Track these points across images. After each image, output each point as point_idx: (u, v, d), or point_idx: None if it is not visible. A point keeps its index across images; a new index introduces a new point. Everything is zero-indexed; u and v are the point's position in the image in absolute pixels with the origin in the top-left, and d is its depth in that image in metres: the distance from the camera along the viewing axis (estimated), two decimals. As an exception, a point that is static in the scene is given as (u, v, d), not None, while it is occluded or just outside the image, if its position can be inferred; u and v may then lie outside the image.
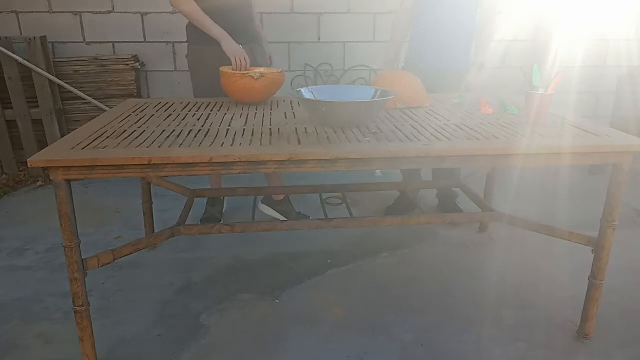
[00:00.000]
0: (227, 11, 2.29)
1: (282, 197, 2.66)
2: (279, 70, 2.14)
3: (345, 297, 2.05)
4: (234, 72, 2.09)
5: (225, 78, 2.08)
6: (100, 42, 3.42)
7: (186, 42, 2.43)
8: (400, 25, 2.55)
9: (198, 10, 2.22)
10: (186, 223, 1.91)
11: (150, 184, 2.34)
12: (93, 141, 1.52)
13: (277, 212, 2.67)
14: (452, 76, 2.39)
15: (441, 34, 2.40)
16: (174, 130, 1.66)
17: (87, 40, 3.41)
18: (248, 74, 2.04)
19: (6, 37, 3.19)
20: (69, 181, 1.42)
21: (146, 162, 1.38)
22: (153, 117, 1.88)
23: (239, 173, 1.49)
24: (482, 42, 2.43)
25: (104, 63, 3.37)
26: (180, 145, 1.49)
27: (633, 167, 1.58)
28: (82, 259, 1.51)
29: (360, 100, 1.77)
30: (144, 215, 2.39)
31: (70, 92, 3.35)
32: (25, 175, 3.38)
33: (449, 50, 2.41)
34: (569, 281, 2.09)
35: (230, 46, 2.23)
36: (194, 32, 2.33)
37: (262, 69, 2.14)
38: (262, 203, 2.71)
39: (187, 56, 2.45)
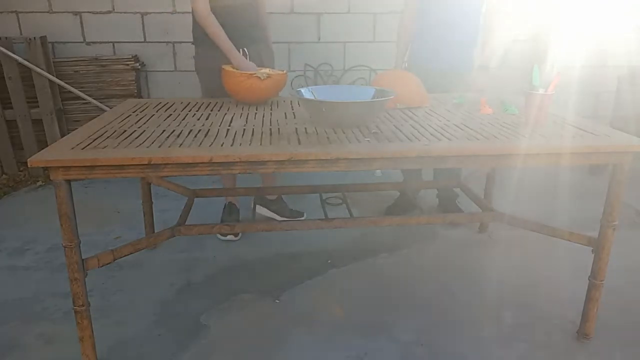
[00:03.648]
0: (232, 13, 2.25)
1: (275, 195, 2.67)
2: (283, 72, 2.14)
3: (345, 297, 2.05)
4: (241, 72, 2.07)
5: (229, 77, 2.06)
6: (100, 42, 3.42)
7: (190, 42, 2.41)
8: (406, 26, 2.55)
9: (216, 24, 2.19)
10: (186, 223, 1.91)
11: (150, 184, 2.34)
12: (93, 141, 1.52)
13: (272, 211, 2.67)
14: (454, 76, 2.39)
15: (443, 34, 2.40)
16: (174, 130, 1.66)
17: (87, 40, 3.41)
18: (254, 74, 2.03)
19: (6, 37, 3.19)
20: (69, 181, 1.42)
21: (146, 162, 1.38)
22: (153, 117, 1.88)
23: (239, 173, 1.49)
24: (486, 42, 2.43)
25: (104, 63, 3.37)
26: (180, 145, 1.49)
27: (633, 167, 1.58)
28: (82, 259, 1.51)
29: (360, 100, 1.77)
30: (144, 215, 2.39)
31: (70, 92, 3.35)
32: (25, 175, 3.38)
33: (451, 50, 2.41)
34: (569, 281, 2.09)
35: (243, 65, 2.18)
36: (201, 34, 2.30)
37: (267, 70, 2.11)
38: (256, 204, 2.71)
39: (194, 57, 2.43)
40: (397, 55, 2.58)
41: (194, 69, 3.16)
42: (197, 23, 2.31)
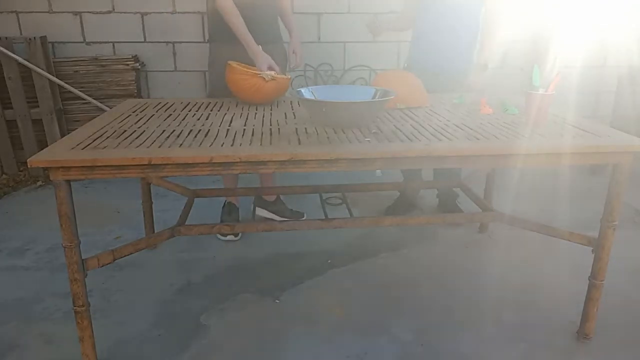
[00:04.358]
0: (250, 9, 2.22)
1: (274, 197, 2.67)
2: (288, 77, 2.13)
3: (345, 297, 2.05)
4: (246, 70, 2.06)
5: (233, 74, 2.04)
6: (100, 42, 3.42)
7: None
8: (407, 16, 2.60)
9: (237, 14, 2.17)
10: (186, 223, 1.91)
11: (150, 184, 2.34)
12: (93, 141, 1.52)
13: (271, 212, 2.67)
14: (454, 76, 2.39)
15: (443, 34, 2.40)
16: (174, 130, 1.66)
17: (87, 40, 3.41)
18: (259, 74, 2.02)
19: (6, 37, 3.19)
20: (68, 181, 1.41)
21: (146, 162, 1.38)
22: (153, 117, 1.88)
23: (239, 173, 1.49)
24: (485, 42, 2.43)
25: (104, 63, 3.37)
26: (180, 145, 1.49)
27: (633, 167, 1.58)
28: (82, 259, 1.51)
29: (360, 100, 1.77)
30: (144, 215, 2.39)
31: (70, 92, 3.35)
32: (25, 175, 3.38)
33: (451, 50, 2.41)
34: (569, 281, 2.09)
35: (259, 56, 2.17)
36: (217, 30, 2.30)
37: (273, 72, 2.09)
38: (254, 205, 2.70)
39: (209, 55, 2.43)
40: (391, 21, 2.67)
41: (194, 69, 3.17)
42: (213, 19, 2.30)
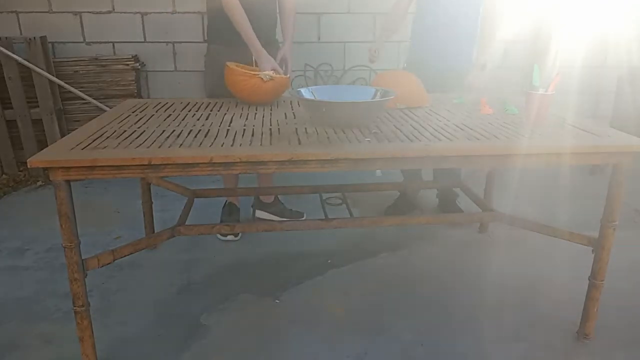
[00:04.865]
0: (252, 11, 2.21)
1: (271, 198, 2.66)
2: (287, 76, 2.13)
3: (345, 297, 2.05)
4: (244, 71, 2.05)
5: (232, 75, 2.05)
6: (100, 42, 3.42)
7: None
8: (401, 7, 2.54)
9: (241, 12, 2.16)
10: (186, 223, 1.91)
11: (150, 184, 2.34)
12: (93, 141, 1.52)
13: (270, 213, 2.67)
14: (454, 76, 2.39)
15: (443, 34, 2.40)
16: (174, 130, 1.66)
17: (87, 40, 3.41)
18: (258, 74, 2.03)
19: (6, 37, 3.19)
20: (68, 181, 1.42)
21: (146, 163, 1.38)
22: (153, 117, 1.88)
23: (239, 173, 1.49)
24: (484, 42, 2.43)
25: (104, 63, 3.37)
26: (180, 145, 1.49)
27: (633, 167, 1.58)
28: (82, 259, 1.51)
29: (360, 100, 1.77)
30: (144, 215, 2.39)
31: (70, 92, 3.35)
32: (25, 175, 3.38)
33: (451, 50, 2.41)
34: (569, 281, 2.09)
35: (262, 56, 2.17)
36: (215, 31, 2.31)
37: (271, 72, 2.09)
38: (253, 208, 2.69)
39: (205, 55, 2.43)
40: (384, 27, 2.59)
41: (194, 69, 3.15)
42: (212, 20, 2.30)
